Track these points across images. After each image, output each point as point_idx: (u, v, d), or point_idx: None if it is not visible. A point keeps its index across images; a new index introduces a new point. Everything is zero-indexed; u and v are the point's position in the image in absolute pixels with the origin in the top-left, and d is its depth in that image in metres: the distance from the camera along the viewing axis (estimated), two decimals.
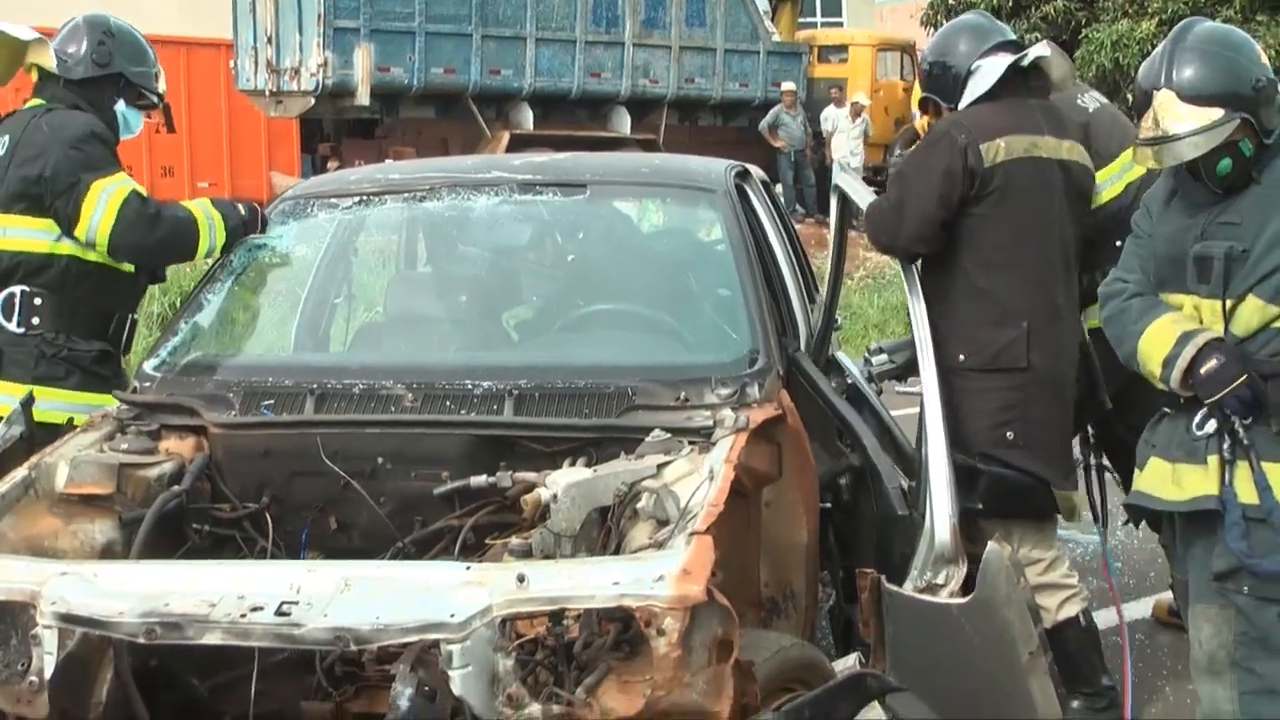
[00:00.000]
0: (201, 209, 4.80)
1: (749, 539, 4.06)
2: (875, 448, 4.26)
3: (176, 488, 3.98)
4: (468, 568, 3.22)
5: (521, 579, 3.10)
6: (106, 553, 3.85)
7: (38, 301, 4.76)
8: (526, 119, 20.15)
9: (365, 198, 4.85)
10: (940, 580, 3.79)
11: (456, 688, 3.02)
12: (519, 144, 19.10)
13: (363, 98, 18.65)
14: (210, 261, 4.83)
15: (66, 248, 4.77)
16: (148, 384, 4.35)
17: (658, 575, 3.07)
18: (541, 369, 4.13)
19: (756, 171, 5.38)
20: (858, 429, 4.34)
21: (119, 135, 4.97)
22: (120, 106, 4.96)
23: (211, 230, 4.74)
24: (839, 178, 4.67)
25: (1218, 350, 3.65)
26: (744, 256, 4.40)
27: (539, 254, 4.80)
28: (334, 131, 20.41)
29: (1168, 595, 5.85)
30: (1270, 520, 3.57)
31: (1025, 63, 4.65)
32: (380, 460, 4.00)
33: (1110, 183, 4.95)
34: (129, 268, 4.91)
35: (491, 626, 3.06)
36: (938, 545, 3.86)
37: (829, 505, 4.42)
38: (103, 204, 4.66)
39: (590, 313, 4.58)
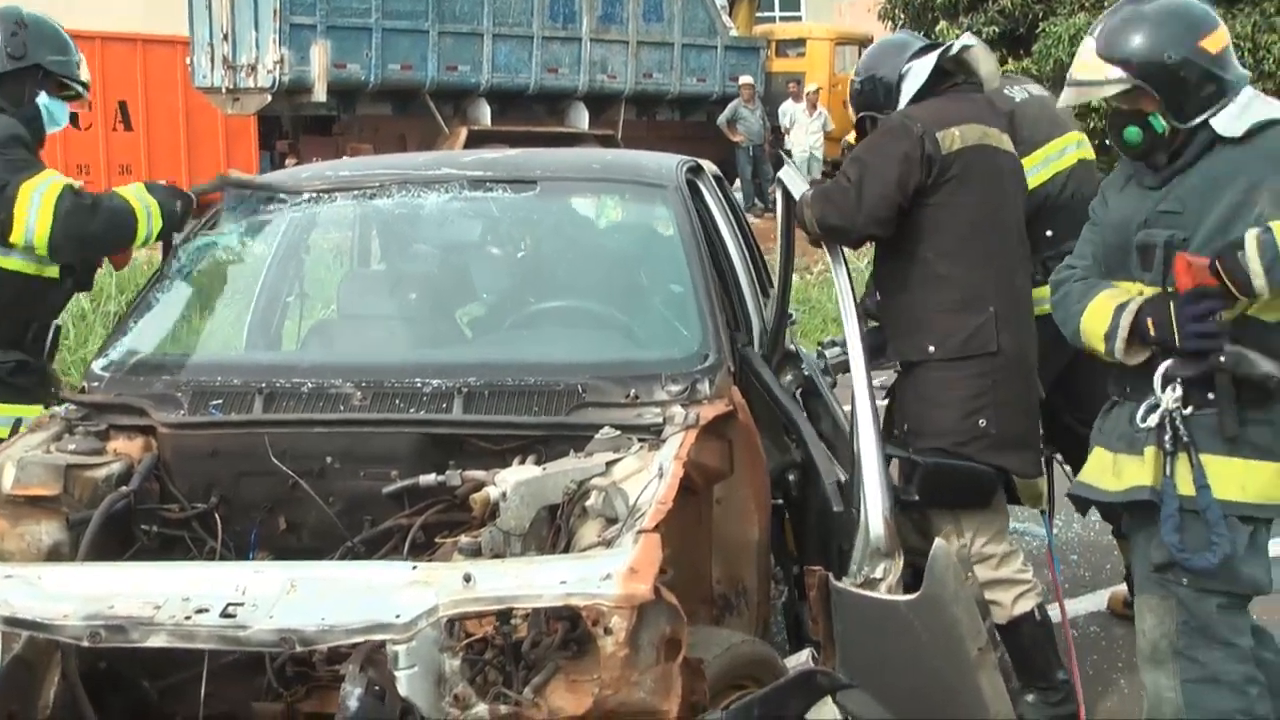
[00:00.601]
0: (136, 197, 4.71)
1: (700, 536, 4.05)
2: (814, 442, 4.26)
3: (124, 488, 3.95)
4: (414, 567, 3.21)
5: (468, 579, 3.08)
6: (53, 554, 3.82)
7: None
8: (484, 115, 20.12)
9: (316, 195, 4.82)
10: (878, 574, 3.78)
11: (402, 688, 3.01)
12: (477, 140, 19.05)
13: (319, 94, 18.59)
14: (155, 254, 4.78)
15: None
16: (96, 384, 4.32)
17: (604, 574, 3.07)
18: (491, 366, 4.11)
19: (709, 166, 5.37)
20: (800, 424, 4.34)
21: (44, 129, 4.85)
22: (42, 99, 4.80)
23: (149, 218, 4.67)
24: (782, 170, 4.67)
25: (1152, 307, 3.67)
26: (695, 252, 4.39)
27: (489, 251, 4.78)
28: (292, 129, 20.32)
29: (1122, 588, 5.88)
30: (1204, 515, 3.59)
31: (953, 52, 4.68)
32: (329, 459, 3.98)
33: (1035, 170, 5.01)
34: (51, 273, 4.78)
35: (437, 627, 3.05)
36: (872, 539, 3.85)
37: (780, 501, 4.42)
38: (36, 204, 4.56)
39: (540, 310, 4.57)
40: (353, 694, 3.25)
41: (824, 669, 3.51)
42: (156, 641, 3.10)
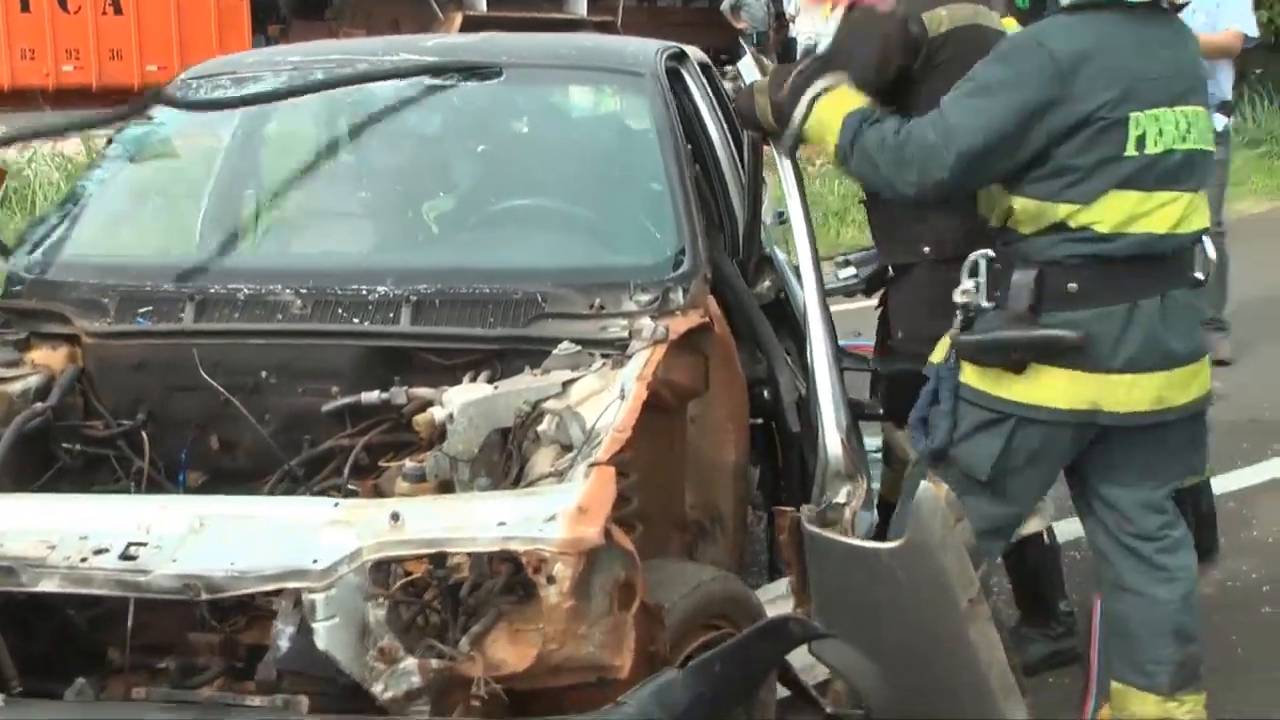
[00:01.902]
0: None
1: (673, 458, 3.72)
2: (778, 356, 3.93)
3: (40, 405, 3.61)
4: (335, 504, 2.88)
5: (395, 518, 2.75)
6: None
7: None
8: (480, 0, 19.57)
9: (259, 80, 4.44)
10: (841, 499, 3.47)
11: (321, 641, 2.67)
12: (472, 26, 18.49)
13: None
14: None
15: None
16: (18, 287, 3.97)
17: (549, 514, 2.72)
18: (443, 272, 3.75)
19: (696, 54, 4.97)
20: (764, 338, 3.99)
21: None
22: None
23: None
24: (741, 60, 4.21)
25: None
26: (672, 148, 4.01)
27: (446, 145, 4.40)
28: (286, 11, 19.80)
29: None
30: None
31: None
32: (264, 374, 3.65)
33: None
34: None
35: (360, 572, 2.72)
36: (831, 461, 3.54)
37: (760, 421, 4.08)
38: None
39: (499, 210, 4.18)
40: (284, 633, 2.91)
41: (797, 616, 3.18)
42: (48, 586, 2.79)
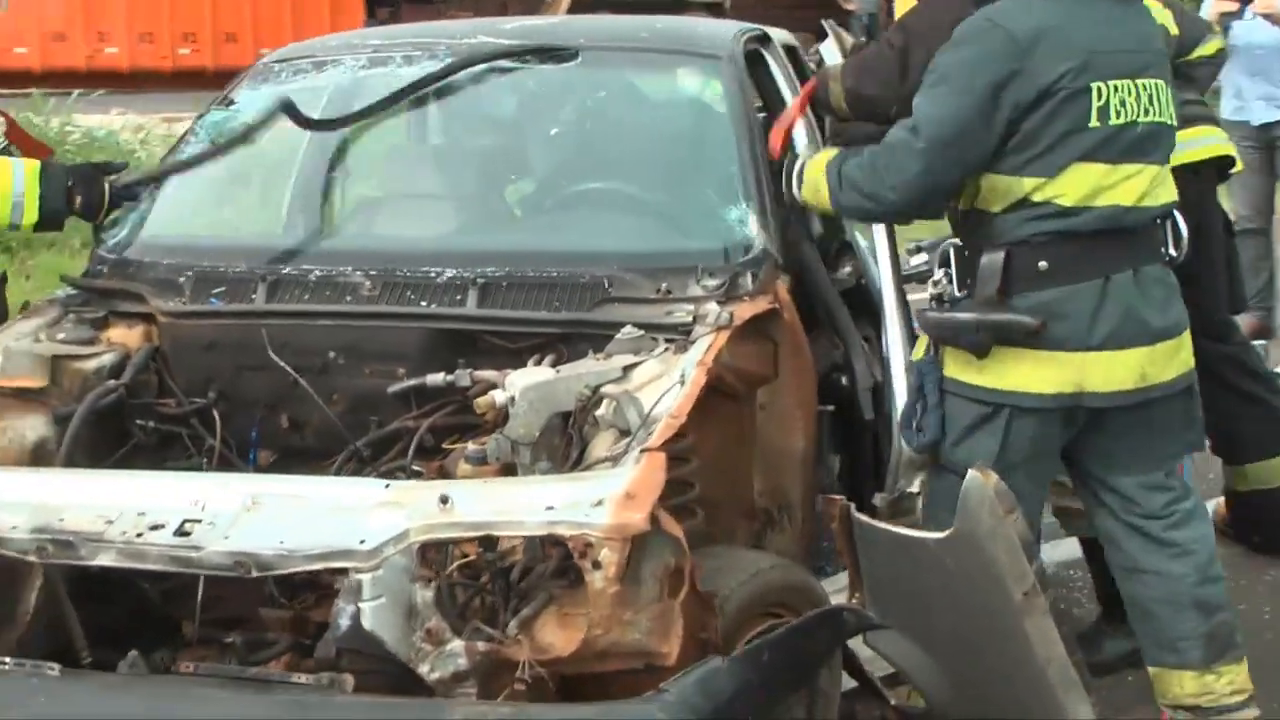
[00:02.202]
0: (16, 181, 3.97)
1: (741, 445, 3.71)
2: (855, 343, 3.89)
3: (112, 382, 3.67)
4: (387, 486, 2.90)
5: (445, 500, 2.77)
6: (38, 451, 3.57)
7: None
8: None
9: (339, 64, 4.48)
10: (915, 488, 3.45)
11: (367, 621, 2.72)
12: (581, 7, 18.56)
13: None
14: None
15: None
16: (101, 266, 4.04)
17: (596, 499, 2.73)
18: (512, 255, 3.76)
19: (781, 36, 4.92)
20: (841, 325, 3.96)
21: None
22: None
23: (16, 210, 3.98)
24: (823, 43, 4.18)
25: None
26: (747, 132, 3.99)
27: (521, 128, 4.40)
28: None
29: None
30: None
31: None
32: (332, 355, 3.68)
33: None
34: None
35: (408, 554, 2.74)
36: (904, 449, 3.51)
37: (832, 408, 4.04)
38: None
39: (570, 193, 4.18)
40: (345, 611, 2.94)
41: (852, 606, 3.15)
42: (105, 560, 2.86)
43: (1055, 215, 3.47)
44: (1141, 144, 3.53)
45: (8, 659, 2.81)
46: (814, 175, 3.75)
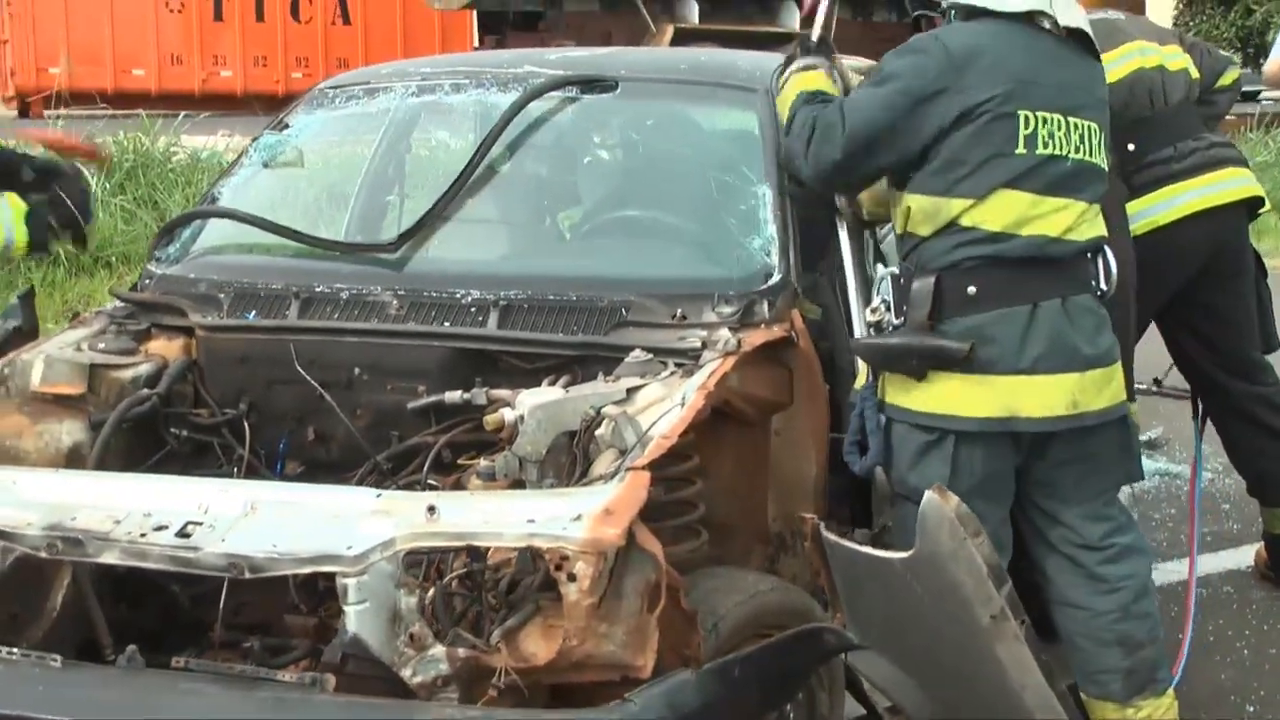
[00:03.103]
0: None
1: (756, 470, 3.77)
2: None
3: (145, 391, 3.82)
4: (378, 495, 3.00)
5: (432, 510, 2.86)
6: (73, 455, 3.71)
7: None
8: (692, 12, 19.71)
9: (390, 91, 4.62)
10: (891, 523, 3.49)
11: (351, 625, 2.81)
12: (684, 38, 18.64)
13: None
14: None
15: None
16: (149, 280, 4.20)
17: (575, 514, 2.81)
18: (534, 279, 3.86)
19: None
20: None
21: None
22: None
23: (8, 243, 4.13)
24: None
25: None
26: (775, 163, 4.05)
27: (557, 156, 4.50)
28: (500, 25, 20.23)
29: None
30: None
31: None
32: (356, 370, 3.80)
33: None
34: None
35: (394, 560, 2.83)
36: (879, 483, 3.60)
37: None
38: None
39: (598, 221, 4.29)
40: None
41: (831, 626, 3.19)
42: (109, 558, 2.97)
43: (983, 240, 3.55)
44: (1069, 180, 3.61)
45: (14, 649, 2.93)
46: (788, 93, 3.89)
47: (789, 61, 4.00)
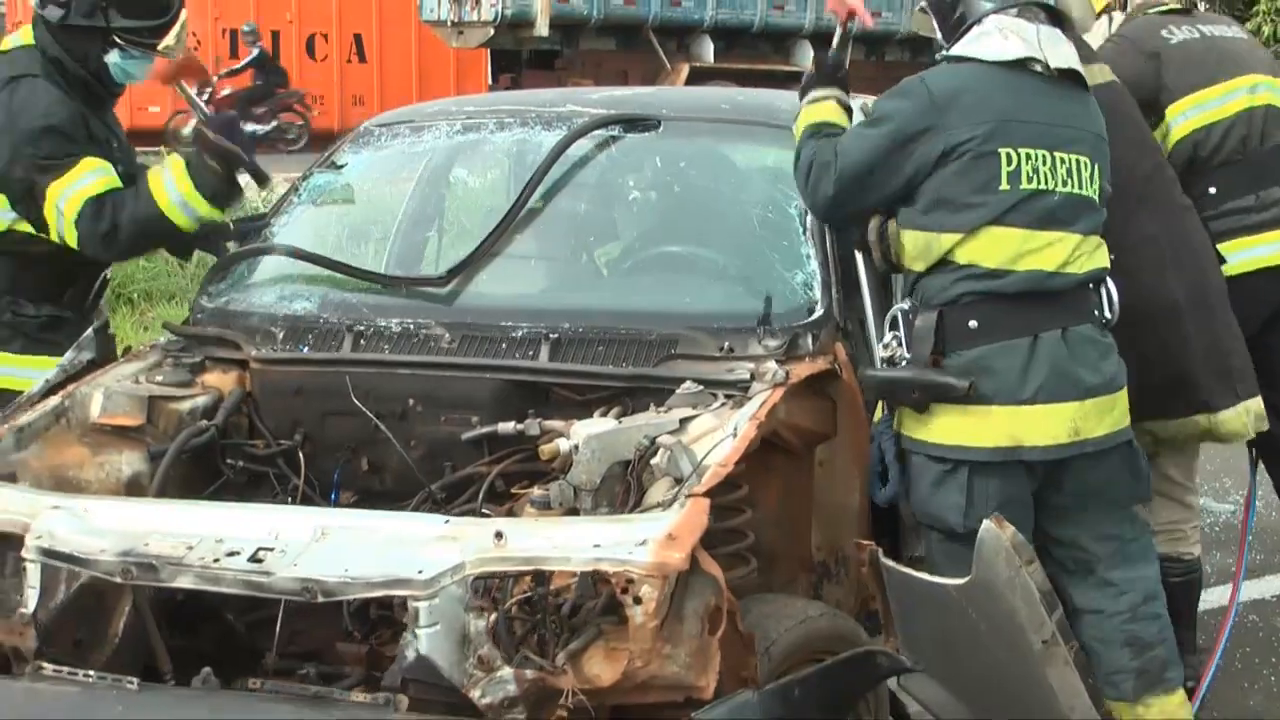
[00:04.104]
0: (168, 188, 4.23)
1: (800, 500, 3.85)
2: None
3: (204, 422, 3.90)
4: (446, 521, 3.09)
5: (499, 536, 2.95)
6: (132, 485, 3.80)
7: None
8: (707, 51, 19.90)
9: (435, 129, 4.72)
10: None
11: (422, 647, 2.90)
12: (699, 77, 18.88)
13: (542, 28, 18.58)
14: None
15: (24, 226, 4.32)
16: (200, 315, 4.29)
17: (640, 539, 2.90)
18: (584, 313, 3.95)
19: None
20: None
21: (116, 83, 4.42)
22: (114, 58, 4.33)
23: (185, 209, 4.24)
24: None
25: None
26: None
27: (602, 193, 4.59)
28: (514, 63, 20.38)
29: None
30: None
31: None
32: (411, 402, 3.88)
33: (1181, 118, 4.65)
34: None
35: (464, 585, 2.92)
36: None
37: None
38: (60, 214, 4.20)
39: (646, 256, 4.38)
40: (412, 644, 3.14)
41: (884, 649, 3.28)
42: (184, 582, 3.06)
43: (981, 277, 3.67)
44: (1059, 213, 3.71)
45: (91, 672, 3.02)
46: (795, 130, 4.00)
47: (804, 90, 4.10)
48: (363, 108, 21.95)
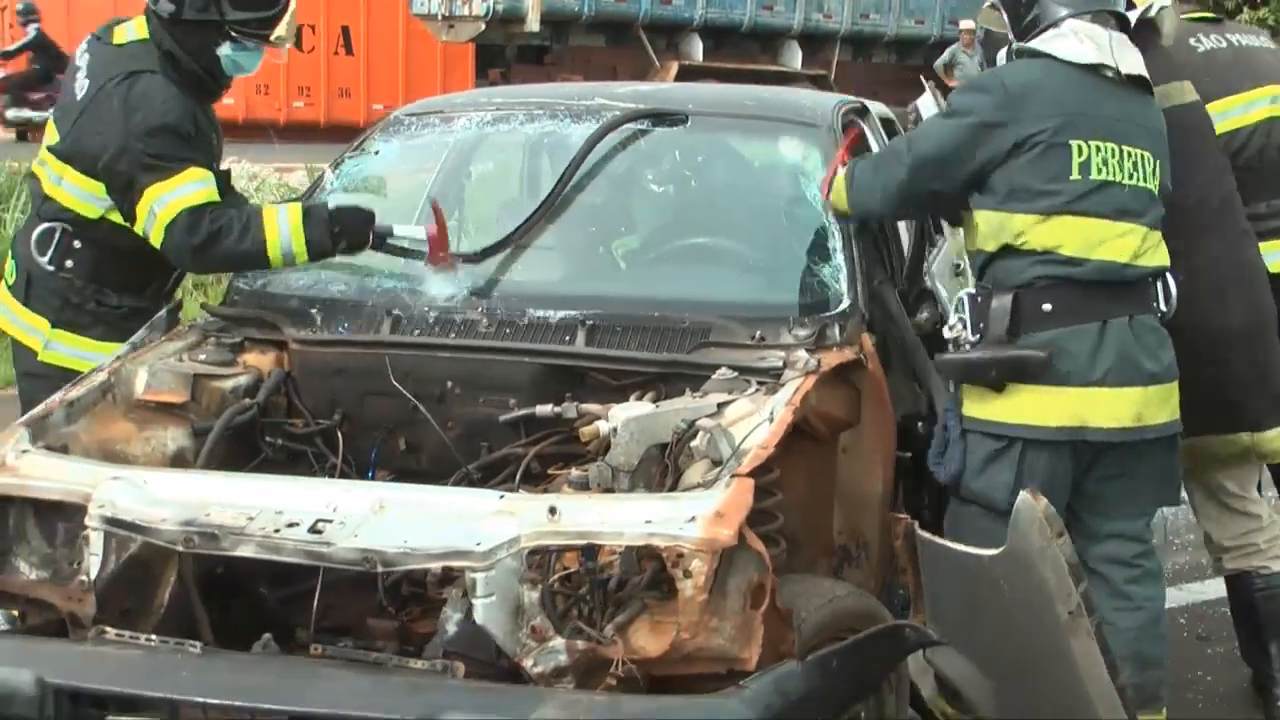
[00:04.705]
0: (281, 233, 4.24)
1: (824, 485, 3.97)
2: (938, 389, 4.16)
3: (247, 400, 4.00)
4: (501, 497, 3.20)
5: (553, 511, 3.07)
6: (177, 460, 3.89)
7: (76, 245, 4.39)
8: (696, 50, 20.04)
9: (465, 119, 4.83)
10: None
11: (479, 616, 3.02)
12: (688, 75, 18.99)
13: (533, 24, 18.68)
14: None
15: (118, 216, 4.36)
16: (237, 296, 4.38)
17: (690, 516, 3.02)
18: (618, 300, 4.07)
19: (878, 109, 5.23)
20: (923, 373, 4.22)
21: (226, 75, 4.49)
22: (226, 50, 4.40)
23: (286, 255, 4.25)
24: (921, 98, 4.54)
25: None
26: None
27: (632, 184, 4.71)
28: (500, 58, 20.45)
29: None
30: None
31: (1152, 13, 4.45)
32: (449, 384, 3.98)
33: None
34: None
35: (519, 557, 3.04)
36: None
37: (909, 455, 4.30)
38: (153, 218, 4.22)
39: (675, 246, 4.50)
40: (452, 618, 3.29)
41: (913, 624, 3.42)
42: (245, 551, 3.17)
43: (1058, 263, 3.85)
44: (1130, 204, 3.91)
45: (154, 635, 3.12)
46: (837, 182, 4.17)
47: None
48: (348, 99, 21.96)
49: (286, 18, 4.48)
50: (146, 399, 3.96)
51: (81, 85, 4.37)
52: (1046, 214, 3.85)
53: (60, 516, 3.53)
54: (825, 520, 4.01)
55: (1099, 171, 3.88)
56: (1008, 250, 3.91)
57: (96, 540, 3.30)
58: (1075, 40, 3.94)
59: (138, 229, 4.30)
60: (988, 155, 3.90)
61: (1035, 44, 4.01)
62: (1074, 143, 3.87)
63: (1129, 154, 3.93)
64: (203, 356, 4.11)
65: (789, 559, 3.72)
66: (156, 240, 4.24)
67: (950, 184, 3.98)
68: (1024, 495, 3.15)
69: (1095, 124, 3.91)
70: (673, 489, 3.46)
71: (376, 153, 4.85)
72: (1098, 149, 3.89)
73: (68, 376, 4.13)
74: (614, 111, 4.53)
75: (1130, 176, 3.92)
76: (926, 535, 3.49)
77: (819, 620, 3.44)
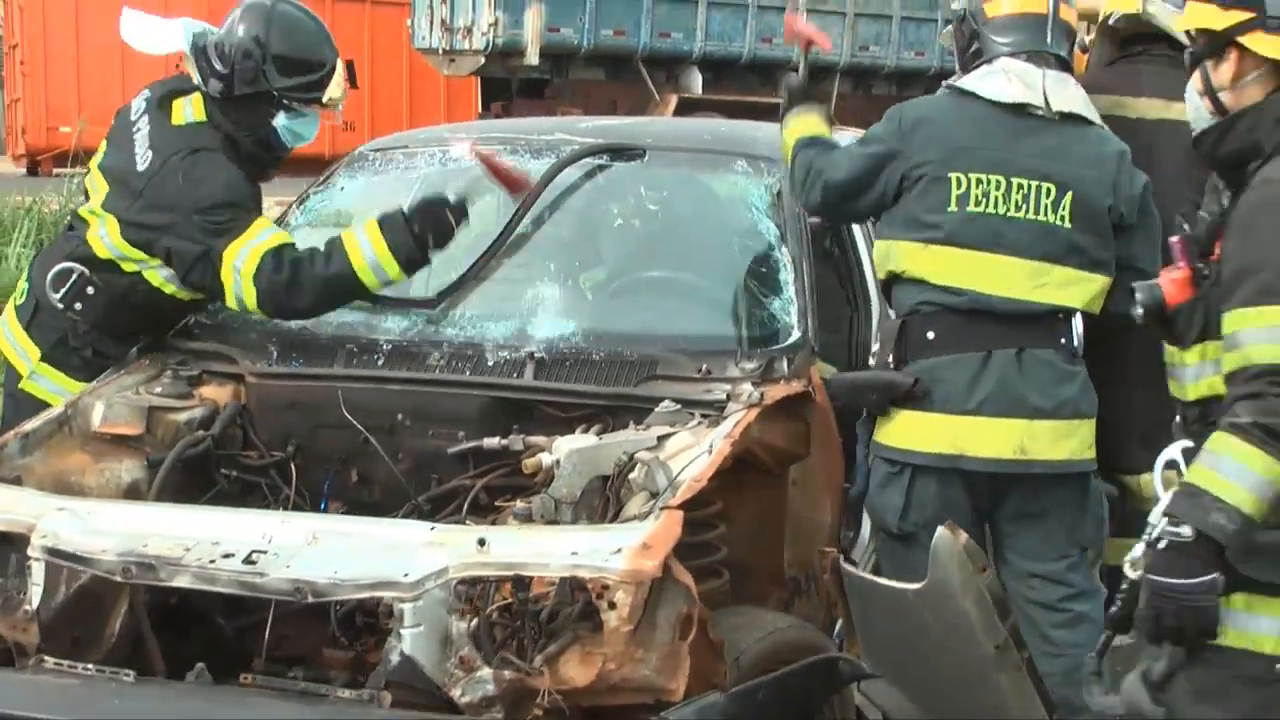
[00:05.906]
0: (363, 248, 4.22)
1: (775, 518, 4.00)
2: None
3: (200, 433, 4.05)
4: (431, 528, 3.25)
5: (482, 543, 3.11)
6: (131, 492, 3.95)
7: (90, 291, 4.32)
8: (696, 83, 20.03)
9: (428, 154, 4.88)
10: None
11: (407, 646, 3.05)
12: (687, 107, 18.97)
13: (532, 57, 18.66)
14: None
15: (154, 275, 4.34)
16: (198, 331, 4.43)
17: (615, 548, 3.06)
18: (568, 335, 4.11)
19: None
20: None
21: (284, 147, 4.49)
22: (282, 120, 4.41)
23: (377, 271, 4.22)
24: None
25: None
26: (794, 229, 4.31)
27: (588, 219, 4.75)
28: (505, 91, 20.51)
29: None
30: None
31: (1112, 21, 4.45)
32: (400, 417, 4.03)
33: None
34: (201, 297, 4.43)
35: (447, 588, 3.08)
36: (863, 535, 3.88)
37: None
38: (238, 272, 4.18)
39: (629, 280, 4.54)
40: (395, 648, 3.29)
41: (846, 656, 3.44)
42: (181, 582, 3.22)
43: (938, 291, 3.92)
44: (1010, 237, 3.92)
45: (90, 665, 3.17)
46: (784, 143, 4.26)
47: (785, 111, 4.33)
48: (352, 133, 22.02)
49: (335, 79, 4.49)
50: (102, 431, 4.02)
51: (144, 156, 4.32)
52: (926, 244, 3.93)
53: (11, 547, 3.57)
54: (776, 552, 4.03)
55: (977, 204, 3.93)
56: (896, 278, 4.02)
57: (38, 570, 3.35)
58: (1004, 79, 3.98)
59: (229, 300, 4.26)
60: (884, 184, 4.01)
61: (962, 81, 4.07)
62: (953, 175, 3.94)
63: (1019, 186, 3.94)
64: (159, 389, 4.17)
65: (738, 590, 3.77)
66: (250, 298, 4.21)
67: (861, 209, 4.15)
68: (941, 530, 3.18)
69: (983, 156, 3.95)
70: (614, 520, 3.51)
71: (342, 188, 4.90)
72: (978, 181, 3.93)
73: (42, 409, 4.16)
74: (573, 146, 4.58)
75: (1018, 209, 3.93)
76: (851, 569, 3.52)
77: (759, 653, 3.48)
